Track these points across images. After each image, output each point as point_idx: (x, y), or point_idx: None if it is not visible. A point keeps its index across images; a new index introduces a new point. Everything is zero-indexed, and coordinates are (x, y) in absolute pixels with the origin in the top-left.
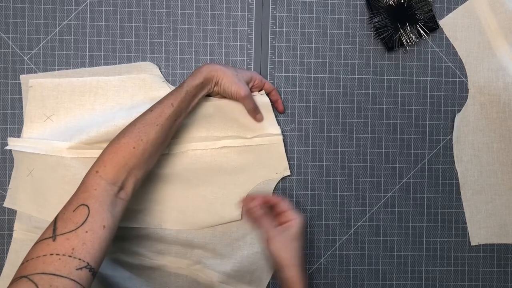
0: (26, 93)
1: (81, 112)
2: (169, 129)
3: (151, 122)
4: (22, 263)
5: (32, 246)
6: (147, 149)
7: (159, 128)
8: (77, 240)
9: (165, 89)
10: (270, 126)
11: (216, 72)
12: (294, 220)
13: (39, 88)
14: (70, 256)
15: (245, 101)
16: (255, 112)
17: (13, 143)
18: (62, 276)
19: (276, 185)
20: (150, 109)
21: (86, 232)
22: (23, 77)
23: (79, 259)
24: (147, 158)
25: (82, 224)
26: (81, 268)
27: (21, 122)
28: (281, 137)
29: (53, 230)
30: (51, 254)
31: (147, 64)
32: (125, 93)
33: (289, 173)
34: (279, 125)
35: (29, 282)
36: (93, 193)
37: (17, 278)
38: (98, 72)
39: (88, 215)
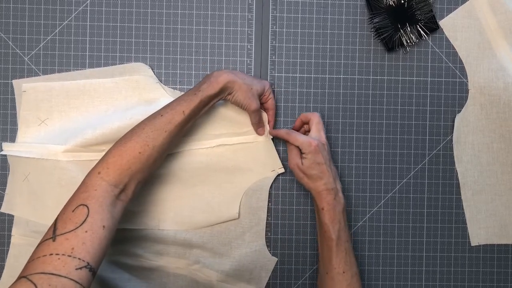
0: (19, 97)
1: (75, 115)
2: (176, 135)
3: (160, 128)
4: (25, 265)
5: (35, 248)
6: (153, 154)
7: (167, 134)
8: (76, 240)
9: (159, 90)
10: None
11: (233, 84)
12: (306, 148)
13: (33, 92)
14: (69, 256)
15: (252, 115)
16: (258, 126)
17: (7, 148)
18: (61, 276)
19: (275, 185)
20: (160, 114)
21: (86, 232)
22: (15, 82)
23: (79, 258)
24: (152, 163)
25: (82, 224)
26: (80, 268)
27: None
28: (270, 137)
29: (53, 230)
30: (51, 254)
31: (139, 65)
32: (119, 94)
33: (283, 171)
34: (279, 126)
35: (28, 282)
36: (93, 193)
37: (17, 279)
38: (90, 74)
39: (87, 215)
